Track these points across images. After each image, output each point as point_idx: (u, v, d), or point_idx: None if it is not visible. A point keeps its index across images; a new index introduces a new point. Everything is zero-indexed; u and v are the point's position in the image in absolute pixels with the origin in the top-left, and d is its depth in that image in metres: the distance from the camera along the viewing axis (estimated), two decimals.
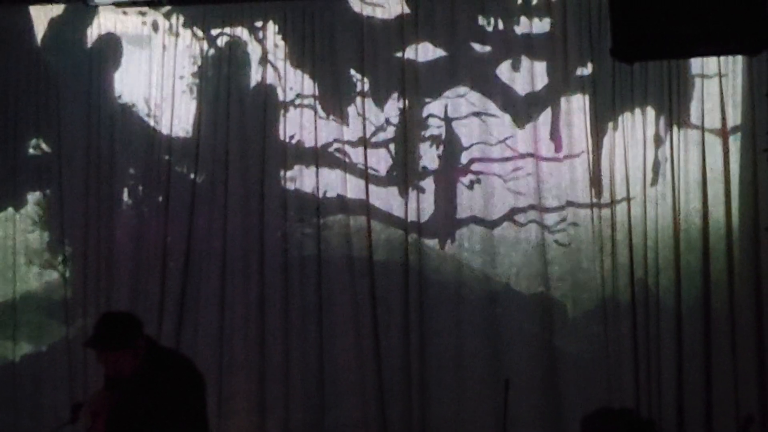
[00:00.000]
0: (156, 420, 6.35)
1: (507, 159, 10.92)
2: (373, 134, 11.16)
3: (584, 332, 10.62)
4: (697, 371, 10.24)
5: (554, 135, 10.84)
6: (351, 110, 11.19)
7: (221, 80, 11.30)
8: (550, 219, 10.83)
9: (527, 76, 10.97)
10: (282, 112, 11.26)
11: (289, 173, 11.20)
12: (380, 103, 11.16)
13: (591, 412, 9.97)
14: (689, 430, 10.22)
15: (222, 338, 11.05)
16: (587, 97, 10.78)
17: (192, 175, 11.27)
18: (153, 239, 11.24)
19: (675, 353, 10.30)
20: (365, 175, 11.10)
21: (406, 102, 11.08)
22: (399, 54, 11.12)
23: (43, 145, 11.53)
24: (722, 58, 10.41)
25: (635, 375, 10.37)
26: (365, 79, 11.16)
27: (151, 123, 11.38)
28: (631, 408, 10.13)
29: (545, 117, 10.90)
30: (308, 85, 11.25)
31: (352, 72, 11.20)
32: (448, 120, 11.09)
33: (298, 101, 11.28)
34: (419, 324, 10.84)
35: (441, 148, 11.10)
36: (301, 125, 11.25)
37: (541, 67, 10.93)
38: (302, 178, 11.20)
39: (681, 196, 10.50)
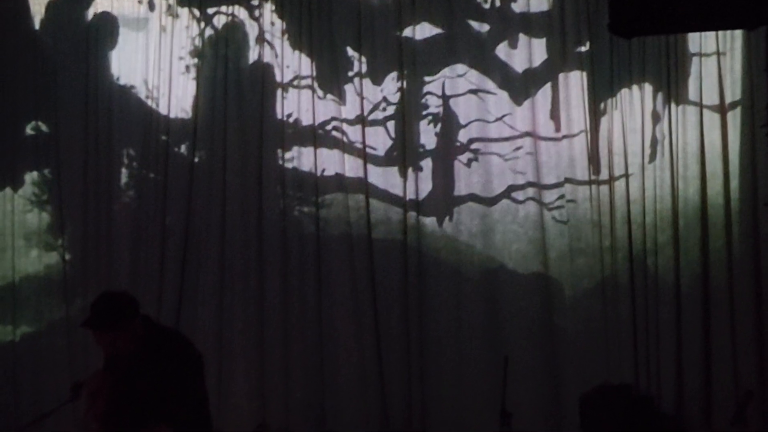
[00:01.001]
0: (155, 399, 6.35)
1: (505, 139, 10.90)
2: (371, 112, 11.16)
3: (583, 310, 10.62)
4: (696, 348, 10.24)
5: (554, 114, 10.82)
6: (348, 89, 11.19)
7: (219, 60, 11.29)
8: (548, 196, 10.82)
9: (525, 53, 10.96)
10: (279, 91, 11.25)
11: (287, 152, 11.18)
12: (378, 81, 11.14)
13: (589, 389, 10.00)
14: (688, 406, 10.23)
15: (221, 317, 11.06)
16: (585, 74, 10.77)
17: (190, 155, 11.25)
18: (152, 219, 11.24)
19: (674, 330, 10.30)
20: (363, 153, 11.09)
21: (404, 80, 11.06)
22: (396, 32, 11.08)
23: (42, 126, 11.51)
24: (721, 36, 10.40)
25: (634, 351, 10.37)
26: (363, 58, 11.13)
27: (149, 104, 11.38)
28: (629, 384, 10.14)
29: (543, 94, 10.90)
30: (306, 64, 11.23)
31: (350, 51, 11.17)
32: (445, 98, 11.08)
33: (295, 81, 11.26)
34: (418, 301, 10.85)
35: (439, 126, 11.09)
36: (298, 104, 11.25)
37: (538, 44, 10.93)
38: (300, 157, 11.20)
39: (679, 172, 10.48)
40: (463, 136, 11.05)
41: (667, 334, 10.29)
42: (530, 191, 10.87)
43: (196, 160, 11.27)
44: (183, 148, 11.31)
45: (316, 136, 11.17)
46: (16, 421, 10.59)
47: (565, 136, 10.79)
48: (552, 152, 10.83)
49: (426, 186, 11.05)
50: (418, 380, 10.76)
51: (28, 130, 11.56)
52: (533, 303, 10.72)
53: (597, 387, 10.06)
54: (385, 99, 11.15)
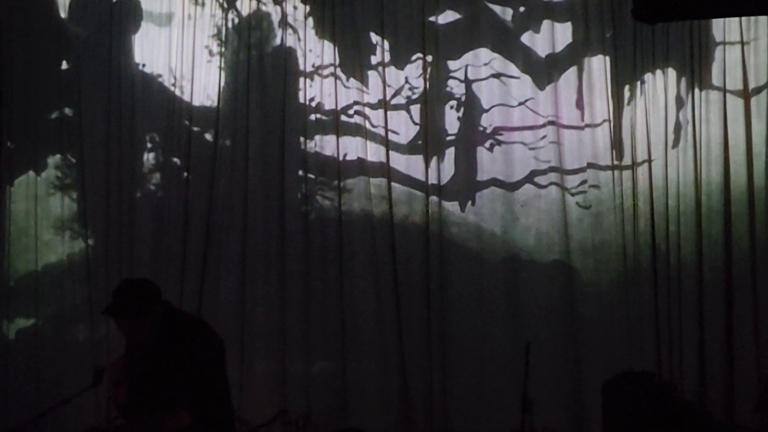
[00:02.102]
0: (176, 386, 6.36)
1: (529, 128, 10.85)
2: (393, 97, 11.12)
3: (605, 297, 10.58)
4: (719, 336, 10.21)
5: (579, 104, 10.77)
6: (371, 74, 11.14)
7: (242, 47, 11.28)
8: (571, 181, 10.78)
9: (548, 37, 10.93)
10: (302, 75, 11.22)
11: (309, 137, 11.17)
12: (401, 66, 11.11)
13: (612, 376, 9.97)
14: (710, 394, 10.20)
15: (243, 303, 11.06)
16: (608, 59, 10.72)
17: (213, 140, 11.25)
18: (174, 204, 11.25)
19: (696, 317, 10.26)
20: (385, 138, 11.06)
21: (427, 64, 11.02)
22: (419, 16, 11.04)
23: (66, 110, 11.52)
24: (744, 22, 10.33)
25: (656, 339, 10.35)
26: (386, 43, 11.10)
27: (173, 90, 11.38)
28: (652, 372, 10.10)
29: (566, 79, 10.85)
30: (328, 49, 11.20)
31: (373, 36, 11.14)
32: (468, 82, 11.04)
33: (318, 63, 11.23)
34: (439, 286, 10.85)
35: (461, 110, 11.05)
36: (321, 89, 11.23)
37: (561, 28, 10.90)
38: (322, 142, 11.18)
39: (702, 157, 10.43)
40: (485, 121, 11.00)
41: (689, 321, 10.26)
42: (553, 176, 10.84)
43: (219, 143, 11.24)
44: (206, 134, 11.29)
45: (339, 120, 11.14)
46: (39, 406, 10.61)
47: (588, 125, 10.73)
48: (575, 138, 10.78)
49: (448, 171, 11.01)
50: (439, 361, 10.75)
51: (52, 115, 11.56)
52: (555, 289, 10.71)
53: (619, 374, 10.02)
54: (407, 81, 11.10)
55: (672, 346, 10.29)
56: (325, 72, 11.21)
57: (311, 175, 11.17)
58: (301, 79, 11.25)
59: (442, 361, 10.75)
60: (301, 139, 11.18)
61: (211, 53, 11.37)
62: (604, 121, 10.71)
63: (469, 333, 10.77)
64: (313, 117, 11.21)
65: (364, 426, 10.40)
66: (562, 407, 10.47)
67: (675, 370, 10.25)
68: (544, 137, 10.85)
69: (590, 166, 10.76)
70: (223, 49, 11.34)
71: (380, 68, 11.15)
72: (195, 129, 11.30)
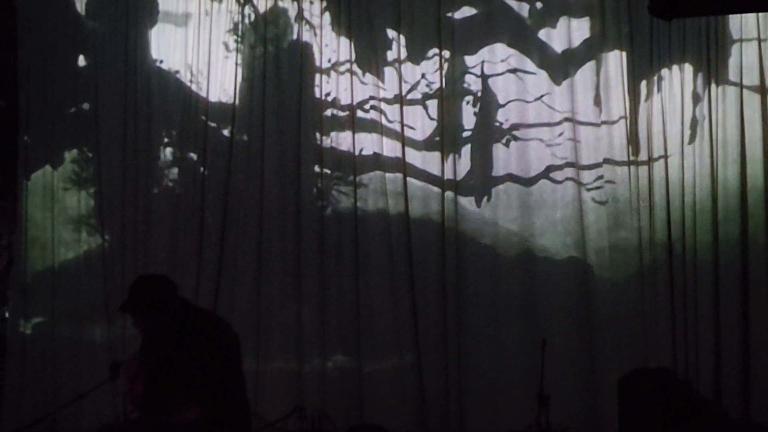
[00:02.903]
0: (192, 381, 6.36)
1: (545, 125, 10.84)
2: (409, 92, 11.13)
3: (621, 293, 10.56)
4: (735, 332, 10.16)
5: (596, 100, 10.74)
6: (387, 69, 11.16)
7: (258, 42, 11.30)
8: (587, 177, 10.75)
9: (565, 33, 10.90)
10: (318, 71, 11.23)
11: (325, 132, 11.17)
12: (417, 61, 11.11)
13: (628, 372, 9.96)
14: (726, 390, 10.16)
15: (259, 298, 11.08)
16: (625, 55, 10.68)
17: (229, 135, 11.27)
18: (191, 199, 11.27)
19: (712, 313, 10.22)
20: (401, 133, 11.06)
21: (443, 60, 11.02)
22: (436, 11, 11.04)
23: (83, 105, 11.55)
24: (762, 18, 10.28)
25: (672, 336, 10.31)
26: (402, 38, 11.10)
27: (190, 85, 11.42)
28: (667, 368, 10.09)
29: (582, 74, 10.83)
30: (344, 44, 11.21)
31: (389, 32, 11.14)
32: (484, 77, 11.03)
33: (334, 59, 11.25)
34: (455, 282, 10.83)
35: (478, 105, 11.04)
36: (337, 84, 11.24)
37: (578, 24, 10.88)
38: (338, 137, 11.18)
39: (719, 152, 10.38)
40: (501, 116, 10.99)
41: (705, 318, 10.22)
42: (568, 171, 10.82)
43: (235, 140, 11.25)
44: (223, 130, 11.31)
45: (355, 116, 11.14)
46: (55, 401, 10.66)
47: (604, 122, 10.71)
48: (591, 133, 10.76)
49: (464, 166, 11.00)
50: (455, 363, 10.73)
51: (69, 109, 11.59)
52: (570, 285, 10.68)
53: (635, 371, 10.02)
54: (423, 77, 11.10)
55: (688, 343, 10.25)
56: (342, 68, 11.22)
57: (327, 171, 11.18)
58: (317, 75, 11.25)
59: (458, 357, 10.73)
60: (317, 134, 11.20)
61: (227, 49, 11.38)
62: (621, 117, 10.68)
63: (484, 329, 10.76)
64: (328, 113, 11.22)
65: (379, 422, 10.44)
66: (578, 403, 10.43)
67: (691, 366, 10.22)
68: (561, 134, 10.82)
69: (606, 161, 10.73)
70: (240, 45, 11.35)
71: (396, 64, 11.15)
72: (211, 125, 11.32)
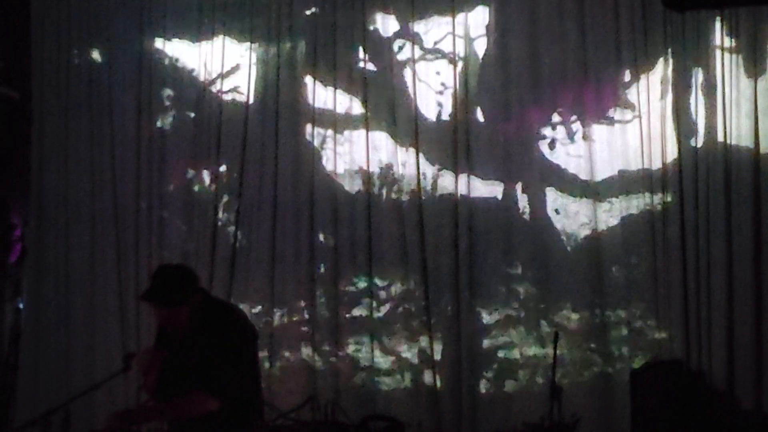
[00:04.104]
0: (208, 372, 6.38)
1: (561, 123, 10.82)
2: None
3: (635, 289, 10.55)
4: (748, 324, 10.15)
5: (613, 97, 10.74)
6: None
7: (272, 39, 11.36)
8: (600, 174, 10.72)
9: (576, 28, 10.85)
10: (333, 74, 11.28)
11: (339, 129, 11.24)
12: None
13: (641, 365, 9.98)
14: (739, 383, 10.14)
15: (273, 284, 11.12)
16: (638, 49, 10.63)
17: (243, 123, 11.31)
18: (205, 194, 11.35)
19: (725, 306, 10.21)
20: (414, 116, 11.06)
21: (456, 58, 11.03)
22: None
23: (97, 98, 11.62)
24: None
25: (685, 327, 10.30)
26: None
27: (203, 81, 11.46)
28: (680, 360, 10.10)
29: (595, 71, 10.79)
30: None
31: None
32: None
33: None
34: (468, 273, 10.83)
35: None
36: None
37: (591, 19, 10.78)
38: (352, 134, 11.21)
39: (733, 151, 10.33)
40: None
41: (718, 311, 10.20)
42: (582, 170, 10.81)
43: (249, 129, 11.30)
44: (237, 119, 11.35)
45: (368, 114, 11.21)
46: (69, 391, 10.69)
47: (617, 121, 10.68)
48: (605, 133, 10.72)
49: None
50: (468, 352, 10.74)
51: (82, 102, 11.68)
52: (584, 279, 10.65)
53: (648, 363, 10.03)
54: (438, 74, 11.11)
55: (701, 334, 10.24)
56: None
57: (339, 166, 11.20)
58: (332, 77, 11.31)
59: (471, 346, 10.75)
60: (330, 131, 11.23)
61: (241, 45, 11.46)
62: (635, 116, 10.64)
63: (498, 321, 10.77)
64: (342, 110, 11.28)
65: (392, 413, 10.48)
66: (591, 395, 10.44)
67: (703, 358, 10.21)
68: (575, 133, 10.80)
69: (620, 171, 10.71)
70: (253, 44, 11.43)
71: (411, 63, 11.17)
72: (226, 115, 11.35)
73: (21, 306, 11.44)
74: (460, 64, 11.01)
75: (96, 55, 11.67)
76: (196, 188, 11.43)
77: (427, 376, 10.81)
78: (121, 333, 11.19)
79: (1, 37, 11.54)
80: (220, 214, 11.32)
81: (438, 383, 10.77)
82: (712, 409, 9.80)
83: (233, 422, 6.42)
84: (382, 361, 10.92)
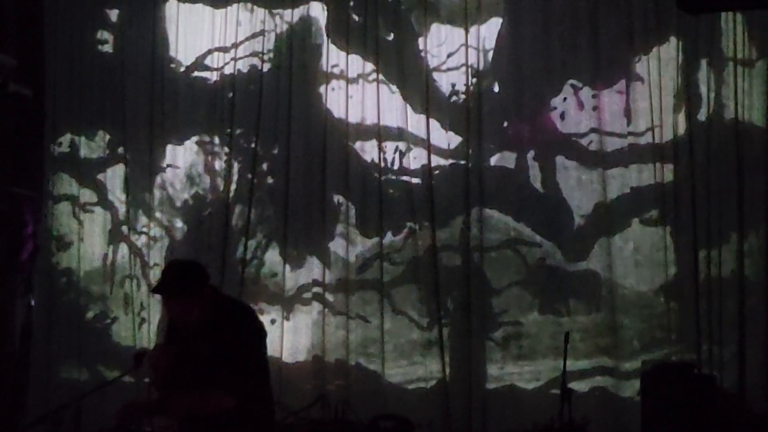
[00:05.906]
0: (218, 367, 6.39)
1: (574, 135, 10.80)
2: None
3: (646, 296, 10.54)
4: (760, 327, 10.13)
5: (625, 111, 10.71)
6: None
7: (284, 42, 11.40)
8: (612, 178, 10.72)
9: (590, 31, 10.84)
10: (345, 78, 11.30)
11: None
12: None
13: (651, 366, 9.96)
14: (750, 385, 10.13)
15: (284, 288, 11.14)
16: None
17: (256, 116, 11.36)
18: (216, 183, 11.39)
19: (736, 308, 10.19)
20: (426, 117, 11.06)
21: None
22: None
23: (110, 95, 11.67)
24: None
25: (696, 328, 10.28)
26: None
27: (214, 76, 11.48)
28: (691, 362, 10.08)
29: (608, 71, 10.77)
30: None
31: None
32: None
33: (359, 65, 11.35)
34: (479, 275, 10.83)
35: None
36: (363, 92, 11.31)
37: (604, 21, 10.76)
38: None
39: (745, 152, 10.32)
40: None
41: (729, 313, 10.18)
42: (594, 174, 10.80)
43: (262, 119, 11.35)
44: (249, 113, 11.39)
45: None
46: (79, 388, 10.73)
47: (631, 133, 10.65)
48: (617, 143, 10.71)
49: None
50: (478, 351, 10.75)
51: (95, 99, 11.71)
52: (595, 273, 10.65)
53: (659, 365, 10.02)
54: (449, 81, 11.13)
55: (712, 336, 10.22)
56: (370, 78, 11.30)
57: (353, 167, 11.21)
58: (344, 81, 11.33)
59: (481, 345, 10.75)
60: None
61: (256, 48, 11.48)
62: (648, 129, 10.61)
63: (509, 323, 10.78)
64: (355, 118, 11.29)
65: (401, 412, 10.49)
66: (600, 396, 10.43)
67: (714, 361, 10.19)
68: (590, 143, 10.77)
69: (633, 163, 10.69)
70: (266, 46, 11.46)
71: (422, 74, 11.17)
72: (238, 107, 11.39)
73: (32, 302, 11.47)
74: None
75: (108, 49, 11.72)
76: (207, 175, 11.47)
77: (438, 372, 10.81)
78: (132, 331, 11.26)
79: (14, 35, 11.57)
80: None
81: (448, 379, 10.78)
82: (722, 412, 9.77)
83: (245, 420, 6.43)
84: (393, 360, 10.94)
